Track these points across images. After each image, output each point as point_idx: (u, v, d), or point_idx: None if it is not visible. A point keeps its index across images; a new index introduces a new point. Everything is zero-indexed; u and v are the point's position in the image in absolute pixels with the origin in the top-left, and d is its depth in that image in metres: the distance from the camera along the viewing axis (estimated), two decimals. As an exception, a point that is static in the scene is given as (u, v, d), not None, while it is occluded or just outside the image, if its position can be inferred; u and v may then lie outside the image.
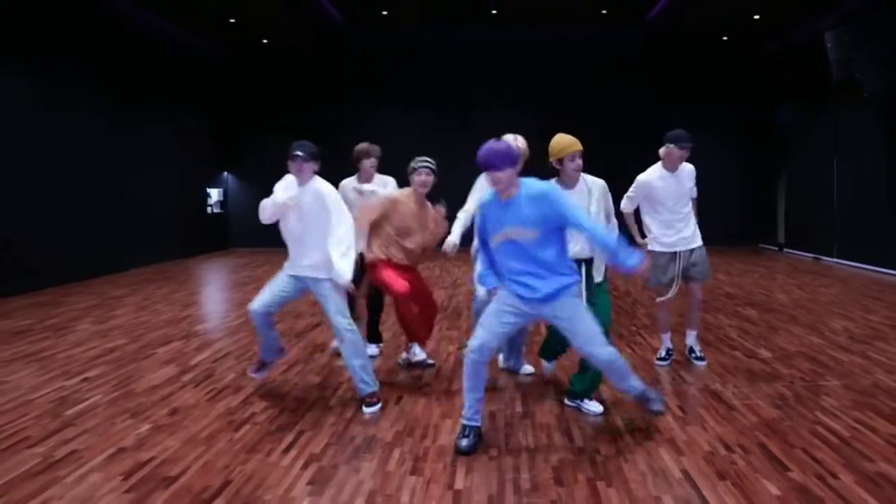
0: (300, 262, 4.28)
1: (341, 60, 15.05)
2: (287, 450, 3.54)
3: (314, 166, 4.28)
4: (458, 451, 3.49)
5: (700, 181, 5.23)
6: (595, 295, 4.10)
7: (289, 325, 6.73)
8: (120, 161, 11.33)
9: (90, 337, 6.28)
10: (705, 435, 3.71)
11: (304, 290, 4.37)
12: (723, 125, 14.97)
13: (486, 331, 3.57)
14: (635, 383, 3.72)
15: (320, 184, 4.28)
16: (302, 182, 4.26)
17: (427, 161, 4.99)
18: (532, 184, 3.50)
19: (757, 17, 12.40)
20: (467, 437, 3.54)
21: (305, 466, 3.33)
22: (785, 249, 14.10)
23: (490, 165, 3.40)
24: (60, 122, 9.82)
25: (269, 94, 15.25)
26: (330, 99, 15.17)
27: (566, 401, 4.25)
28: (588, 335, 3.53)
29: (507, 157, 3.39)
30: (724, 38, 14.12)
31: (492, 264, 3.75)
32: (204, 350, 5.76)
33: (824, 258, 12.39)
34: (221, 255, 14.10)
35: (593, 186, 4.17)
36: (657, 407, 3.78)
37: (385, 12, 13.07)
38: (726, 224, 14.65)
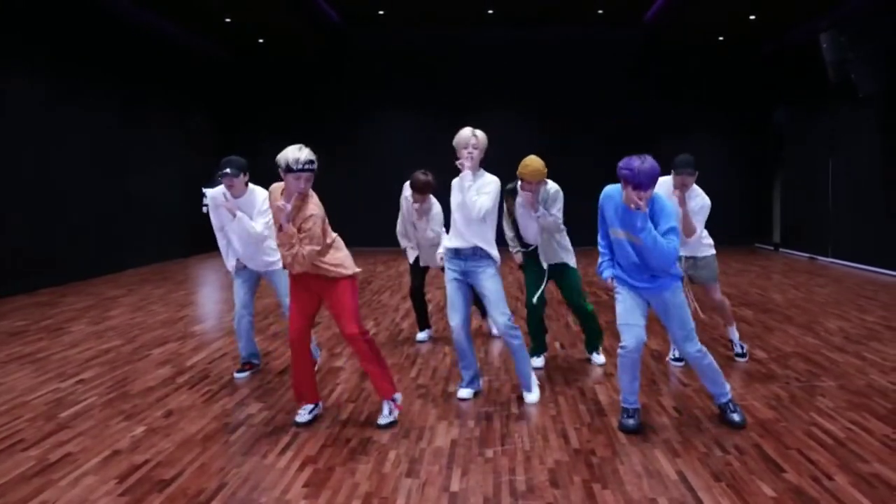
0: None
1: (339, 61, 15.05)
2: (283, 452, 3.54)
3: (244, 178, 4.67)
4: (627, 430, 3.78)
5: (696, 181, 5.21)
6: (566, 276, 5.13)
7: (284, 325, 6.72)
8: (121, 161, 11.32)
9: (85, 338, 6.26)
10: (701, 436, 3.71)
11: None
12: (719, 125, 15.01)
13: (637, 325, 3.80)
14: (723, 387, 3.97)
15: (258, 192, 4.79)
16: (237, 195, 4.69)
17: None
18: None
19: (753, 17, 12.42)
20: (633, 417, 3.84)
21: (301, 468, 3.33)
22: (781, 249, 14.13)
23: (643, 186, 3.51)
24: (65, 124, 9.81)
25: (269, 95, 15.25)
26: (328, 99, 15.18)
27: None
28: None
29: (656, 179, 3.56)
30: (721, 38, 14.15)
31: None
32: (200, 351, 5.76)
33: (820, 258, 12.42)
34: (218, 255, 14.05)
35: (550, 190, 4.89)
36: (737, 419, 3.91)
37: (382, 12, 13.06)
38: (722, 224, 14.66)
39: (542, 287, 5.06)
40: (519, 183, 4.89)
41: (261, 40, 14.47)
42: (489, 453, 3.51)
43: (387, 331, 6.55)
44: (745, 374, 4.95)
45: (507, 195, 4.95)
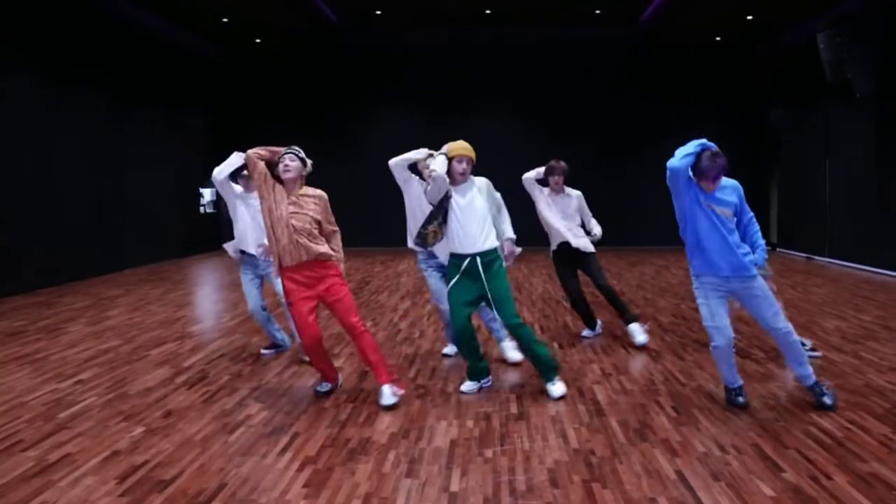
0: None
1: (336, 60, 15.04)
2: (282, 452, 3.54)
3: None
4: (739, 406, 4.14)
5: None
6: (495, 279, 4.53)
7: (282, 325, 6.71)
8: (117, 161, 11.31)
9: (84, 338, 6.25)
10: (699, 436, 3.72)
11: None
12: (716, 125, 15.00)
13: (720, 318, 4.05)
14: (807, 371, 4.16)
15: None
16: (249, 190, 5.41)
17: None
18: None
19: (750, 18, 12.45)
20: (741, 394, 4.20)
21: (301, 469, 3.33)
22: (777, 249, 14.17)
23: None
24: (62, 124, 9.81)
25: (265, 95, 15.24)
26: (325, 99, 15.16)
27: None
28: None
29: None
30: (718, 38, 14.18)
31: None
32: (198, 351, 5.75)
33: (816, 258, 12.46)
34: (216, 255, 14.05)
35: (481, 185, 4.63)
36: (828, 402, 4.14)
37: (379, 12, 13.06)
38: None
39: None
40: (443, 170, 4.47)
41: (258, 40, 14.47)
42: (488, 453, 3.51)
43: (385, 331, 6.55)
44: (743, 373, 4.95)
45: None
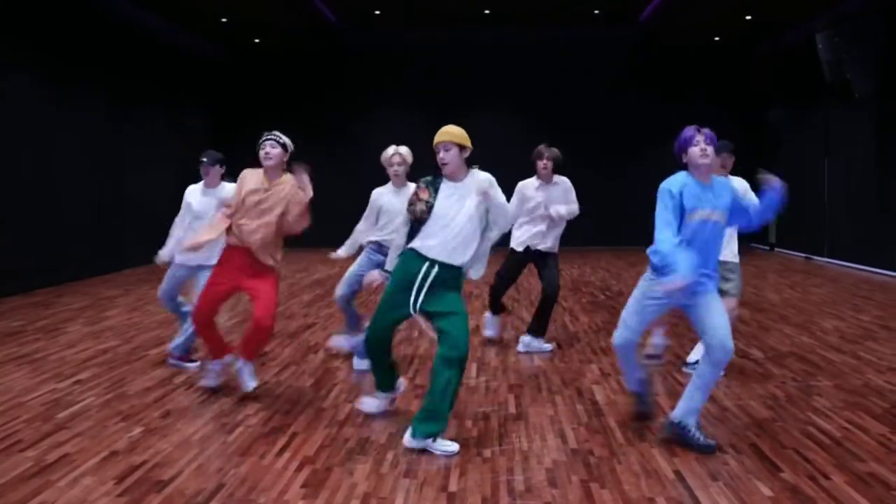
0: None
1: (335, 60, 15.05)
2: (281, 452, 3.54)
3: (220, 170, 5.38)
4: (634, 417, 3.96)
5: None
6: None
7: (281, 326, 6.73)
8: (118, 161, 11.31)
9: (82, 338, 6.25)
10: (698, 436, 3.72)
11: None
12: (715, 125, 14.83)
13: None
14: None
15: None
16: (211, 185, 5.36)
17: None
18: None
19: (749, 18, 12.45)
20: (638, 403, 3.93)
21: (299, 469, 3.33)
22: (776, 249, 14.17)
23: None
24: (61, 124, 9.79)
25: (265, 95, 15.24)
26: (324, 99, 15.17)
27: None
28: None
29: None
30: (717, 38, 14.18)
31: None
32: (196, 351, 5.74)
33: (815, 258, 12.46)
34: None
35: (473, 184, 3.73)
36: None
37: (378, 12, 13.07)
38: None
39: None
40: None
41: (257, 40, 14.48)
42: (487, 453, 3.51)
43: (384, 331, 6.54)
44: (742, 373, 4.96)
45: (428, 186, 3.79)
